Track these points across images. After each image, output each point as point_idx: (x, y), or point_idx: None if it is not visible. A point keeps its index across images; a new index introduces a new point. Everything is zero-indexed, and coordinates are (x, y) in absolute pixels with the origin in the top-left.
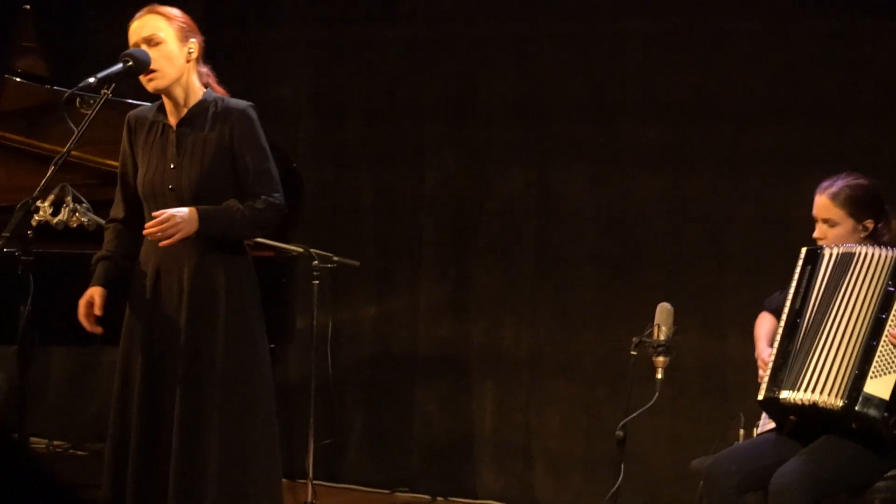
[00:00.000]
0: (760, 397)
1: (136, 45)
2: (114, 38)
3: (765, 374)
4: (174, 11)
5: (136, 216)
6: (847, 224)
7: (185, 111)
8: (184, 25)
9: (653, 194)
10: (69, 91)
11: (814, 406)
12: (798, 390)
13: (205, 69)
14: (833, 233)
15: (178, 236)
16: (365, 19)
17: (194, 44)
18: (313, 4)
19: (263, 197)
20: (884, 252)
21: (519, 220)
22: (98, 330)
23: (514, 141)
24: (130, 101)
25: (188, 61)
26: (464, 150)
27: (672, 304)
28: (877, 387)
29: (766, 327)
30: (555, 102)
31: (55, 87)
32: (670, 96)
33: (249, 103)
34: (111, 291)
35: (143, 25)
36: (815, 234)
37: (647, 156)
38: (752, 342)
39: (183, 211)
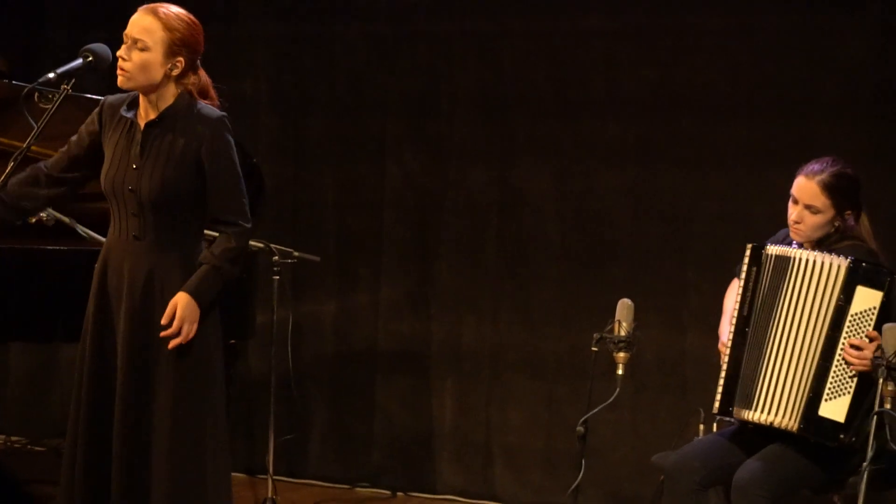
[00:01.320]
0: (715, 410)
1: (127, 36)
2: (74, 32)
3: (718, 381)
4: (178, 22)
5: (56, 184)
6: (828, 213)
7: (154, 113)
8: (180, 39)
9: (616, 191)
10: (29, 86)
11: (770, 425)
12: (753, 409)
13: (194, 79)
14: (812, 220)
15: (187, 330)
16: (326, 14)
17: (181, 62)
18: None
19: (235, 229)
20: (833, 260)
21: (482, 217)
22: None
23: (476, 137)
24: (90, 96)
25: (167, 76)
26: (426, 146)
27: (634, 300)
28: (832, 409)
29: (733, 299)
30: (517, 99)
31: (14, 83)
32: (633, 92)
33: (223, 114)
34: None
35: (138, 23)
36: (793, 218)
37: (610, 152)
38: (712, 339)
39: (183, 303)
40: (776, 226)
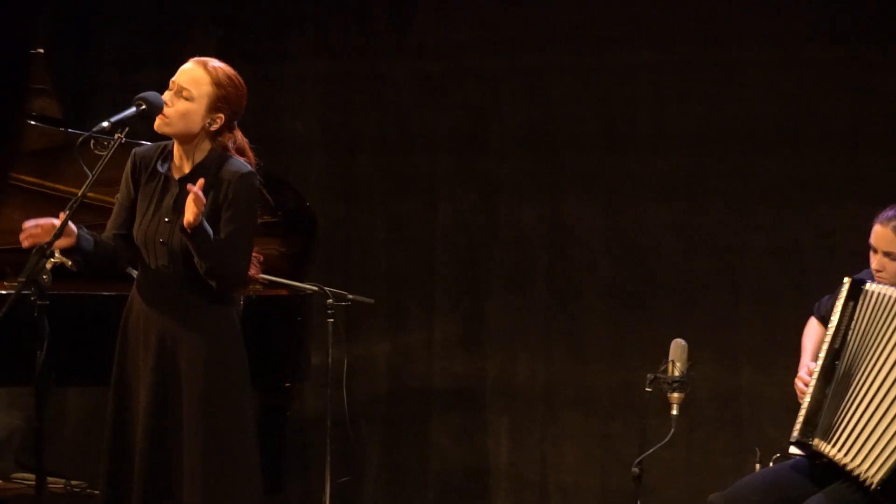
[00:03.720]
0: (793, 439)
1: (173, 83)
2: (126, 78)
3: (800, 410)
4: (226, 80)
5: (123, 240)
6: None
7: (188, 167)
8: (224, 96)
9: (665, 225)
10: (84, 134)
11: (845, 467)
12: (832, 444)
13: (230, 137)
14: (894, 266)
15: (194, 211)
16: (376, 53)
17: (220, 118)
18: (325, 38)
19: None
20: None
21: (531, 253)
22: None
23: (525, 173)
24: (143, 142)
25: (204, 130)
26: (476, 183)
27: (685, 336)
28: None
29: (812, 338)
30: (566, 134)
31: (69, 130)
32: (680, 127)
33: (251, 170)
34: (86, 250)
35: (187, 73)
36: (874, 266)
37: (659, 187)
38: (766, 374)
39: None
40: (825, 260)
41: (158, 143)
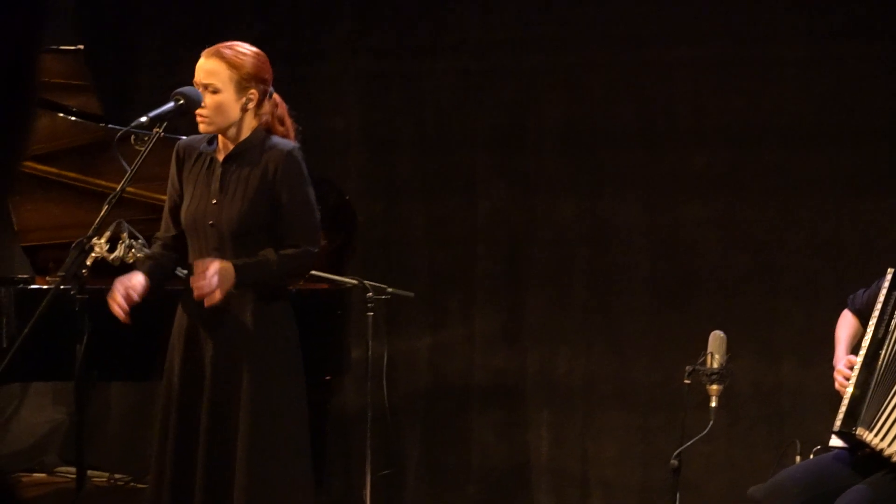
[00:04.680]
0: (835, 429)
1: (197, 83)
2: (166, 74)
3: (842, 400)
4: (242, 57)
5: (180, 240)
6: None
7: (232, 146)
8: (247, 74)
9: (704, 221)
10: (123, 129)
11: (890, 458)
12: (876, 434)
13: (270, 107)
14: None
15: (218, 294)
16: (414, 51)
17: (254, 94)
18: (363, 37)
19: (302, 248)
20: None
21: (571, 249)
22: (123, 316)
23: (564, 169)
24: (183, 137)
25: (244, 110)
26: (515, 179)
27: (725, 331)
28: None
29: (847, 330)
30: (604, 131)
31: (109, 126)
32: (720, 122)
33: (296, 145)
34: (155, 289)
35: (203, 68)
36: None
37: (698, 182)
38: (806, 368)
39: (223, 265)
40: (864, 254)
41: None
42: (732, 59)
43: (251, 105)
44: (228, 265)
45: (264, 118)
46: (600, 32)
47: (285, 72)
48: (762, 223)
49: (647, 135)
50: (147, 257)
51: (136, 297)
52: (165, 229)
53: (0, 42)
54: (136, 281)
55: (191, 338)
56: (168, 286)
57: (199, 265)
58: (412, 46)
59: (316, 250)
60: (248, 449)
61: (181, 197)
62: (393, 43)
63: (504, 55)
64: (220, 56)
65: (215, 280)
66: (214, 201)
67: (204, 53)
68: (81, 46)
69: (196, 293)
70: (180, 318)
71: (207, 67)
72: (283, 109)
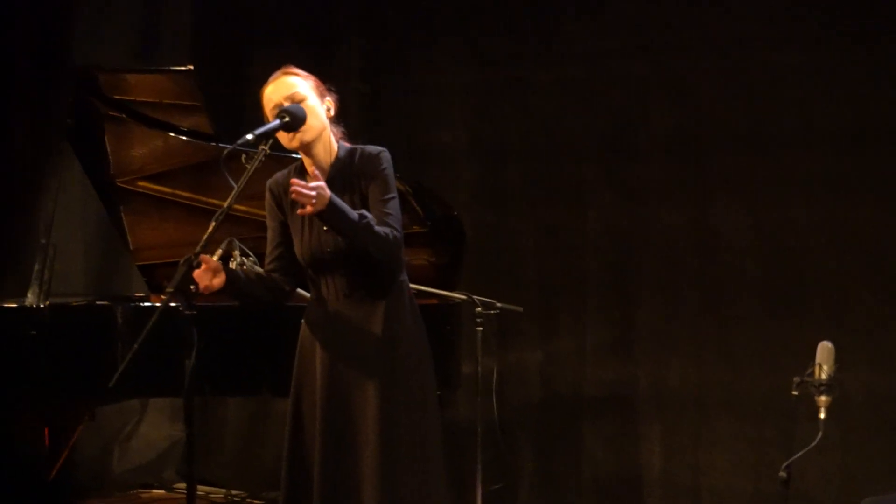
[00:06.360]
0: None
1: (276, 107)
2: None
3: None
4: (306, 72)
5: (282, 268)
6: None
7: (328, 170)
8: (318, 83)
9: (814, 226)
10: (229, 147)
11: None
12: None
13: (339, 128)
14: None
15: (309, 208)
16: (522, 60)
17: (330, 101)
18: (471, 47)
19: (390, 229)
20: None
21: (680, 258)
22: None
23: (673, 177)
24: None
25: (328, 118)
26: (624, 188)
27: (838, 338)
28: None
29: None
30: (713, 137)
31: (220, 144)
32: (829, 127)
33: (383, 148)
34: (231, 284)
35: (279, 87)
36: None
37: (808, 187)
38: None
39: (325, 192)
40: None
41: (284, 169)
42: (841, 62)
43: (331, 113)
44: (328, 195)
45: (341, 131)
46: (707, 38)
47: (394, 84)
48: (874, 227)
49: (755, 140)
50: (257, 275)
51: (206, 281)
52: (275, 267)
53: None
54: (211, 262)
55: (322, 353)
56: (278, 303)
57: (313, 175)
58: (519, 56)
59: (399, 238)
60: (381, 465)
61: (282, 226)
62: (501, 53)
63: (611, 64)
64: (289, 72)
65: (313, 194)
66: (325, 228)
67: (271, 80)
68: (192, 67)
69: (293, 191)
70: (307, 335)
71: (285, 84)
72: (344, 136)
